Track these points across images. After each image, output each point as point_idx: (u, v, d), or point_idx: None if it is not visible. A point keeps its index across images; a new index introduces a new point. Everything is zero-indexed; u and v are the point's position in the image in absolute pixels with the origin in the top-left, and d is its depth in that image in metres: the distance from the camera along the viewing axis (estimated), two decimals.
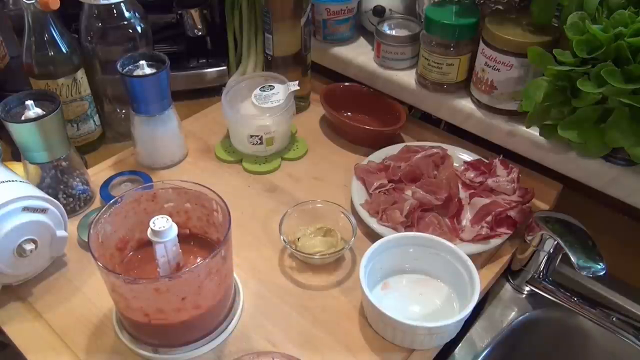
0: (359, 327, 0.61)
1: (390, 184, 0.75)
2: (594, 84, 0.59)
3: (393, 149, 0.81)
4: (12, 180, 0.61)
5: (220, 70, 0.97)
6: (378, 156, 0.80)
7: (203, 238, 0.62)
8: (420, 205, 0.71)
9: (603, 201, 0.72)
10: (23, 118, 0.65)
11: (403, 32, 0.85)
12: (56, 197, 0.69)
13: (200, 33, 0.96)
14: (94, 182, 0.77)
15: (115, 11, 0.79)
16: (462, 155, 0.80)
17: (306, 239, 0.68)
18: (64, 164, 0.71)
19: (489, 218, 0.68)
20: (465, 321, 0.58)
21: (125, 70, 0.74)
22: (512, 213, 0.68)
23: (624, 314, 0.65)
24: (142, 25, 0.82)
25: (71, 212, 0.73)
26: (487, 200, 0.71)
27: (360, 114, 0.92)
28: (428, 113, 0.86)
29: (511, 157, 0.77)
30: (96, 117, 0.86)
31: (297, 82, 0.82)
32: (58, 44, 0.76)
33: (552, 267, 0.69)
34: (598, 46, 0.59)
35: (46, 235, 0.61)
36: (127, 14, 0.80)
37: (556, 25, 0.70)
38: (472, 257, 0.62)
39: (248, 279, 0.66)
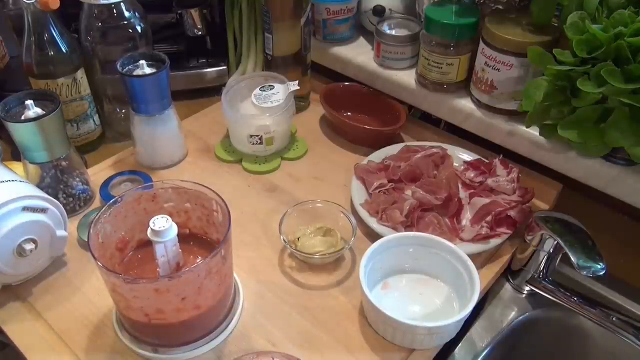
0: (359, 327, 0.61)
1: (390, 184, 0.75)
2: (594, 84, 0.59)
3: (393, 149, 0.81)
4: (12, 180, 0.61)
5: (220, 70, 0.97)
6: (378, 156, 0.80)
7: (203, 238, 0.62)
8: (420, 205, 0.71)
9: (603, 201, 0.72)
10: (23, 118, 0.65)
11: (403, 32, 0.85)
12: (56, 197, 0.69)
13: (200, 33, 0.96)
14: (94, 182, 0.77)
15: (115, 11, 0.79)
16: (462, 155, 0.80)
17: (306, 239, 0.68)
18: (64, 164, 0.71)
19: (489, 218, 0.68)
20: (466, 321, 0.58)
21: (125, 70, 0.74)
22: (512, 213, 0.68)
23: (624, 314, 0.65)
24: (142, 25, 0.82)
25: (71, 212, 0.73)
26: (487, 200, 0.71)
27: (360, 114, 0.92)
28: (428, 113, 0.86)
29: (511, 157, 0.77)
30: (96, 117, 0.86)
31: (297, 82, 0.82)
32: (58, 44, 0.76)
33: (552, 267, 0.69)
34: (598, 46, 0.59)
35: (46, 235, 0.61)
36: (127, 14, 0.80)
37: (556, 25, 0.70)
38: (472, 257, 0.62)
39: (248, 279, 0.66)
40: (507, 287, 0.73)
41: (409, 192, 0.73)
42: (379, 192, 0.74)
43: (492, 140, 0.78)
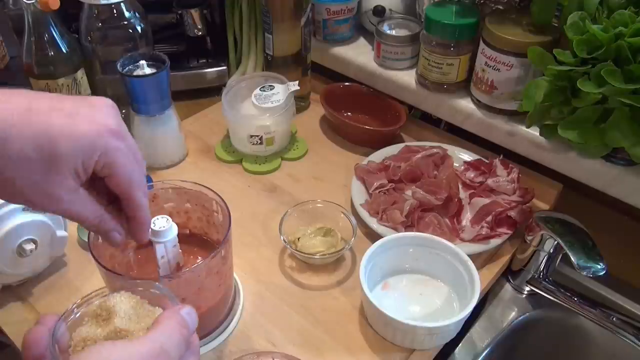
0: (359, 327, 0.61)
1: (390, 184, 0.75)
2: (594, 83, 0.59)
3: (393, 149, 0.81)
4: None
5: (220, 70, 0.97)
6: (378, 156, 0.80)
7: (203, 238, 0.62)
8: (420, 205, 0.71)
9: (603, 201, 0.72)
10: None
11: (403, 32, 0.85)
12: None
13: (200, 33, 0.96)
14: None
15: (115, 11, 0.79)
16: (462, 155, 0.80)
17: (306, 239, 0.68)
18: None
19: (489, 218, 0.68)
20: (465, 321, 0.58)
21: (125, 70, 0.74)
22: (512, 213, 0.68)
23: (624, 314, 0.65)
24: (142, 25, 0.82)
25: None
26: (487, 200, 0.71)
27: (360, 114, 0.92)
28: (428, 113, 0.86)
29: (511, 157, 0.77)
30: None
31: (297, 82, 0.82)
32: (58, 44, 0.76)
33: (552, 267, 0.69)
34: (598, 46, 0.59)
35: (46, 235, 0.61)
36: (127, 14, 0.80)
37: (556, 25, 0.70)
38: (472, 257, 0.62)
39: (248, 279, 0.66)
40: (507, 287, 0.73)
41: (409, 192, 0.73)
42: (379, 192, 0.74)
43: (492, 140, 0.78)
